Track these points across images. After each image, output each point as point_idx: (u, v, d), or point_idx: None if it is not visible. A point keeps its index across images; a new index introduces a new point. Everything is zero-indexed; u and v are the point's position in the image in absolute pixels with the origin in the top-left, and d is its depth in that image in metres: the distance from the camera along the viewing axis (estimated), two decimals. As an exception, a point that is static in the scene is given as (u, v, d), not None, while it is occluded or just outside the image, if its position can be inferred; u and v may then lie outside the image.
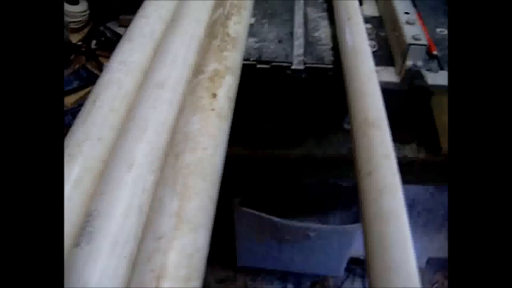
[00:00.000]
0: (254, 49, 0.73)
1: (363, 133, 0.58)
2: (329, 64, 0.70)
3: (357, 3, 0.79)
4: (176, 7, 0.80)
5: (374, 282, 0.40)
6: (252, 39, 0.75)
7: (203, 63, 0.66)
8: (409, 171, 0.98)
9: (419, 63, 0.67)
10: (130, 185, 0.51)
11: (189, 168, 0.52)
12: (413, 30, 0.68)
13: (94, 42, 1.08)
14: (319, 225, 1.14)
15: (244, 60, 0.71)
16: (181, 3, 0.80)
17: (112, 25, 1.12)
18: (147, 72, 0.66)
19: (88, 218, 0.49)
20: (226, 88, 0.63)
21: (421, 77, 0.64)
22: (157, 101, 0.60)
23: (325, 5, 0.85)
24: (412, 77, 0.64)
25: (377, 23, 0.81)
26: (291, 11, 0.83)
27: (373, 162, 0.52)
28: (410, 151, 0.96)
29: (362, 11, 0.84)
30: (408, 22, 0.69)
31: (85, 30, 1.13)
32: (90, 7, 1.13)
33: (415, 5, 0.87)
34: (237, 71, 0.68)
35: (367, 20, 0.82)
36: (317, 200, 1.14)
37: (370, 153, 0.54)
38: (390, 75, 0.69)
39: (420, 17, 0.83)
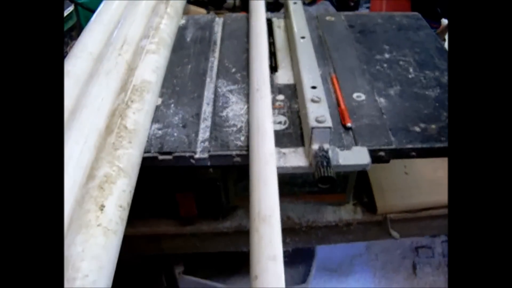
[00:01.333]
0: (157, 137, 0.69)
1: (256, 230, 0.57)
2: (234, 150, 0.66)
3: (267, 70, 0.75)
4: (79, 94, 0.76)
5: None
6: (155, 126, 0.71)
7: (96, 165, 0.62)
8: (348, 231, 0.95)
9: (326, 146, 0.63)
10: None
11: (66, 304, 0.47)
12: (317, 110, 0.64)
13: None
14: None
15: (145, 152, 0.67)
16: (84, 90, 0.75)
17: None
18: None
19: None
20: (117, 196, 0.59)
21: (326, 163, 0.60)
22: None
23: (237, 76, 0.81)
24: (318, 164, 0.60)
25: (291, 93, 0.78)
26: (202, 85, 0.80)
27: (260, 265, 0.52)
28: (346, 212, 0.92)
29: (275, 79, 0.81)
30: (313, 100, 0.66)
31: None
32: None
33: (333, 66, 0.84)
34: (133, 170, 0.63)
35: (280, 90, 0.78)
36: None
37: (258, 255, 0.53)
38: (299, 159, 0.65)
39: (337, 80, 0.80)
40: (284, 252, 1.08)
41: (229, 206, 0.92)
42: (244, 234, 0.90)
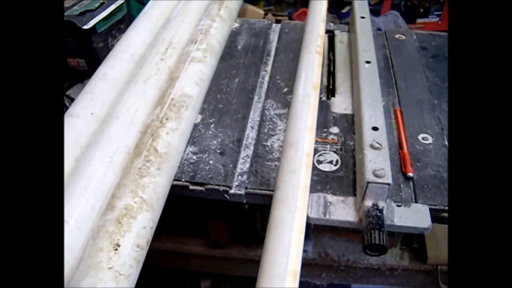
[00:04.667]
0: (190, 163, 0.62)
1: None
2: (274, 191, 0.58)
3: (315, 97, 0.65)
4: (114, 100, 0.70)
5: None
6: (190, 149, 0.64)
7: (117, 193, 0.55)
8: (391, 276, 0.85)
9: (381, 204, 0.53)
10: None
11: None
12: (377, 159, 0.54)
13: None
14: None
15: (175, 179, 0.60)
16: (120, 97, 0.69)
17: (78, 90, 1.03)
18: (56, 197, 0.56)
19: None
20: (135, 234, 0.52)
21: (379, 228, 0.51)
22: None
23: (289, 97, 0.72)
24: (369, 227, 0.51)
25: (347, 126, 0.68)
26: (248, 104, 0.71)
27: None
28: (392, 257, 0.82)
29: (330, 105, 0.72)
30: (372, 146, 0.56)
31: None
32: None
33: (398, 97, 0.73)
34: (158, 202, 0.56)
35: (336, 120, 0.69)
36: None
37: None
38: (347, 212, 0.55)
39: (401, 115, 0.70)
40: (318, 286, 1.00)
41: (263, 233, 0.84)
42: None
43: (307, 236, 0.67)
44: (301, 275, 0.90)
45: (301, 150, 0.55)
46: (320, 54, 0.73)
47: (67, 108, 0.98)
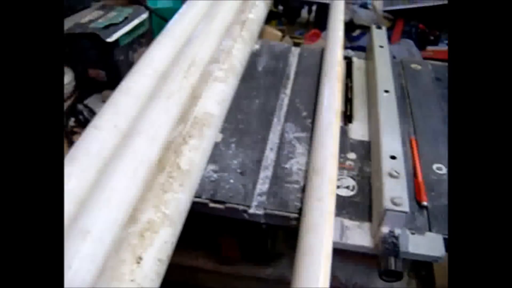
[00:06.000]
0: (211, 181, 0.63)
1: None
2: (293, 212, 0.59)
3: (337, 124, 0.67)
4: (137, 115, 0.71)
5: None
6: (211, 167, 0.65)
7: (140, 207, 0.56)
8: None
9: (397, 231, 0.55)
10: None
11: None
12: (394, 187, 0.56)
13: (72, 119, 1.01)
14: None
15: (196, 196, 0.61)
16: (142, 113, 0.71)
17: (95, 99, 1.05)
18: (80, 207, 0.57)
19: None
20: (158, 248, 0.53)
21: (396, 254, 0.52)
22: (76, 258, 0.51)
23: (307, 122, 0.74)
24: (386, 253, 0.52)
25: (364, 153, 0.69)
26: (268, 126, 0.73)
27: None
28: (399, 283, 0.83)
29: (348, 131, 0.74)
30: (391, 175, 0.58)
31: (68, 102, 1.06)
32: (76, 79, 1.07)
33: (413, 126, 0.75)
34: (180, 218, 0.58)
35: (353, 147, 0.70)
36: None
37: None
38: (363, 237, 0.57)
39: (416, 145, 0.71)
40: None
41: (274, 252, 0.85)
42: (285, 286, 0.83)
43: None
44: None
45: (326, 177, 0.57)
46: (340, 81, 0.75)
47: (83, 116, 1.00)
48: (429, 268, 0.84)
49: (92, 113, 0.99)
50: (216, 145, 0.69)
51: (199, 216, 0.74)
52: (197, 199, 0.61)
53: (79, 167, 0.62)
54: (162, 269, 0.53)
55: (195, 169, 0.62)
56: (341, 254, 0.83)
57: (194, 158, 0.63)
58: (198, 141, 0.65)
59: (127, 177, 0.60)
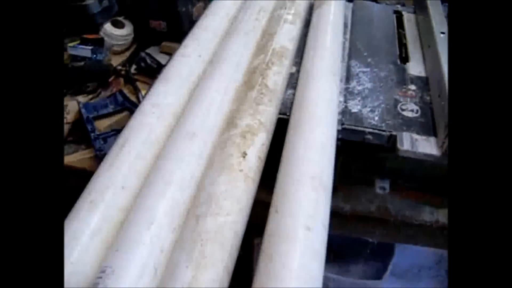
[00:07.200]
0: (291, 102, 0.71)
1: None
2: (368, 127, 0.67)
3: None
4: (217, 47, 0.79)
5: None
6: (290, 91, 0.73)
7: (237, 115, 0.64)
8: (441, 235, 0.93)
9: (464, 139, 0.63)
10: (148, 244, 0.49)
11: (208, 234, 0.50)
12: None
13: (134, 67, 1.08)
14: (338, 277, 1.10)
15: (280, 113, 0.69)
16: (223, 44, 0.78)
17: (153, 51, 1.12)
18: (180, 118, 0.65)
19: (101, 274, 0.47)
20: (258, 147, 0.61)
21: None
22: (185, 153, 0.59)
23: (369, 59, 0.82)
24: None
25: (423, 85, 0.77)
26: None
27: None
28: (444, 216, 0.91)
29: (406, 69, 0.81)
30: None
31: (127, 53, 1.13)
32: (135, 31, 1.14)
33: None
34: (271, 127, 0.65)
35: (412, 80, 0.78)
36: (338, 251, 1.10)
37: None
38: (432, 147, 0.65)
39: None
40: (367, 245, 1.09)
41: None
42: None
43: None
44: (355, 231, 0.99)
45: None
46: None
47: (146, 63, 1.07)
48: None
49: (155, 60, 1.07)
50: (291, 75, 0.77)
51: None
52: (282, 116, 0.69)
53: (173, 86, 0.70)
54: (261, 166, 0.61)
55: (279, 90, 0.70)
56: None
57: (278, 81, 0.71)
58: (279, 67, 0.73)
59: (219, 93, 0.68)
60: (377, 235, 0.96)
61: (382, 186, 0.74)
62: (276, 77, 0.71)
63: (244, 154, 0.59)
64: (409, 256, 1.29)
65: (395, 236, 0.96)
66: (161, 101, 0.66)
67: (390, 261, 1.10)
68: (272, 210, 0.52)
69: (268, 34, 0.80)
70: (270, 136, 0.65)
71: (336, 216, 0.92)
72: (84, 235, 0.50)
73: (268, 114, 0.65)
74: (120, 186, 0.55)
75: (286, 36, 0.80)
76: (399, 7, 1.01)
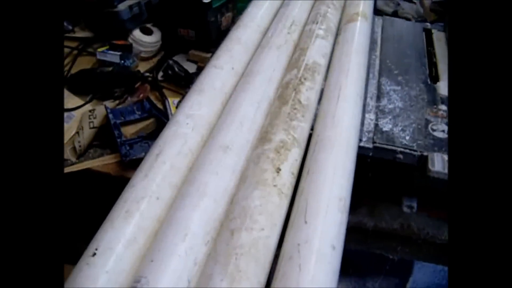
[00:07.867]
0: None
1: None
2: (399, 147, 0.67)
3: None
4: (249, 60, 0.80)
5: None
6: (319, 107, 0.73)
7: (271, 130, 0.65)
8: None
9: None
10: (183, 256, 0.49)
11: (243, 248, 0.50)
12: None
13: (161, 73, 1.09)
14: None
15: (312, 129, 0.69)
16: (255, 57, 0.79)
17: (180, 58, 1.13)
18: (213, 130, 0.65)
19: (136, 284, 0.47)
20: (291, 163, 0.61)
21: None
22: (220, 166, 0.59)
23: (400, 78, 0.82)
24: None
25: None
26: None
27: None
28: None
29: (437, 89, 0.81)
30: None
31: (155, 60, 1.14)
32: (163, 38, 1.15)
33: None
34: (303, 143, 0.66)
35: (443, 100, 0.78)
36: (357, 265, 1.10)
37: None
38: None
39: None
40: (386, 261, 1.08)
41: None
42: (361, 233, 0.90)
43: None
44: (377, 247, 0.98)
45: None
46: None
47: (173, 71, 1.08)
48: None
49: (182, 68, 1.08)
50: (322, 91, 0.77)
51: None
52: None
53: (206, 97, 0.70)
54: (293, 182, 0.61)
55: (312, 106, 0.71)
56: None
57: (310, 97, 0.71)
58: (311, 83, 0.73)
59: (253, 107, 0.68)
60: (398, 252, 0.96)
61: (409, 205, 0.74)
62: (309, 93, 0.71)
63: (278, 170, 0.59)
64: (428, 274, 1.28)
65: (417, 253, 0.96)
66: (195, 112, 0.67)
67: (409, 278, 1.10)
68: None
69: (300, 49, 0.81)
70: (302, 152, 0.65)
71: (359, 232, 0.92)
72: (119, 245, 0.51)
73: (301, 130, 0.66)
74: (155, 197, 0.56)
75: (318, 52, 0.80)
76: (428, 25, 1.01)
